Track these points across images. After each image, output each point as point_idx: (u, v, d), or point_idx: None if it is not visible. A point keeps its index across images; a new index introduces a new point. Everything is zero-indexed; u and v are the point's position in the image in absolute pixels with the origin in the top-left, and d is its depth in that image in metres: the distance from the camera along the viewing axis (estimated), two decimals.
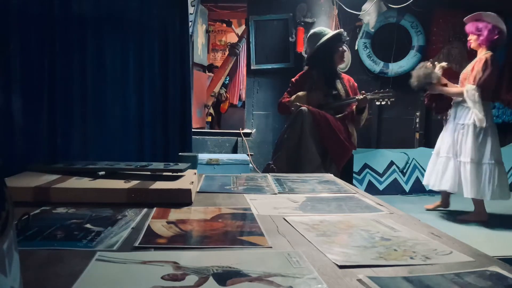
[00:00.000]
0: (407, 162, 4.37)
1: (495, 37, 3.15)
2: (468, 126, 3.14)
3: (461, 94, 3.16)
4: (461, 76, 3.32)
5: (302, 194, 1.44)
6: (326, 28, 3.30)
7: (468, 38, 3.30)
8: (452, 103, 3.32)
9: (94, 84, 1.97)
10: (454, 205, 3.53)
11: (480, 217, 3.19)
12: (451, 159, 3.24)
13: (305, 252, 0.81)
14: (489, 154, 3.10)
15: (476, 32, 3.19)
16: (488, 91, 3.13)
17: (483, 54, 3.17)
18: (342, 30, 3.23)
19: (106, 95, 2.03)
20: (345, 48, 3.17)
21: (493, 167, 3.09)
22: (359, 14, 4.31)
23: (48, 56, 1.80)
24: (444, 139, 3.34)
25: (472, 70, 3.16)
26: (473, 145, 3.10)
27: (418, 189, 4.18)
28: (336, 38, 3.04)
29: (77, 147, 1.91)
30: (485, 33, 3.16)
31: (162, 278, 0.67)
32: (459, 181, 3.18)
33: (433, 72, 3.23)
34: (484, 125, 3.06)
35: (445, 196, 3.51)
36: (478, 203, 3.20)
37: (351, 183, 2.58)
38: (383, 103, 3.05)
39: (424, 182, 3.56)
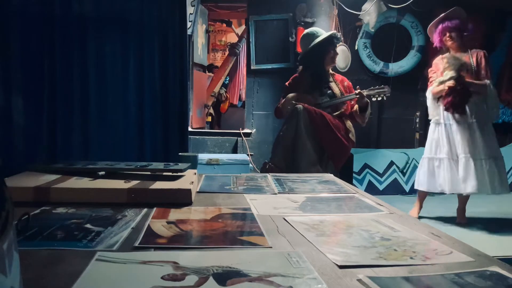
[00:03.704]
0: (407, 162, 4.37)
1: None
2: (476, 123, 3.10)
3: (484, 88, 3.08)
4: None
5: (302, 194, 1.44)
6: (320, 29, 3.29)
7: (448, 35, 3.16)
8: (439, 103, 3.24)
9: (94, 84, 1.98)
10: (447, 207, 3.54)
11: (463, 218, 3.21)
12: (468, 159, 3.07)
13: (305, 252, 0.81)
14: (495, 148, 3.12)
15: (462, 28, 3.15)
16: None
17: (474, 51, 3.16)
18: (335, 32, 3.23)
19: (106, 95, 2.03)
20: (337, 51, 3.16)
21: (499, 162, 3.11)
22: (359, 14, 4.31)
23: (48, 56, 1.80)
24: (442, 140, 3.20)
25: (477, 66, 3.12)
26: (487, 141, 3.08)
27: None
28: (328, 41, 3.05)
29: (77, 147, 1.91)
30: (471, 27, 3.17)
31: (162, 278, 0.67)
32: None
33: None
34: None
35: (422, 198, 3.38)
36: (463, 203, 3.21)
37: (351, 183, 2.58)
38: (379, 99, 3.05)
39: (429, 189, 3.28)
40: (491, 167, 3.04)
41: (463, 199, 3.21)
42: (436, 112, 3.23)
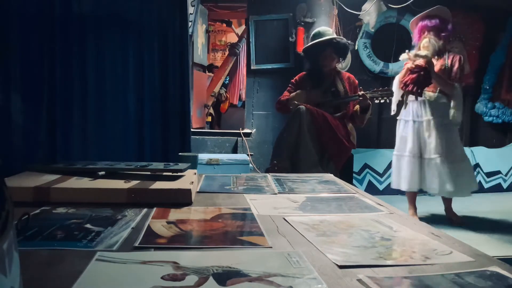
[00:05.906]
0: None
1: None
2: (431, 121, 3.09)
3: (449, 87, 3.07)
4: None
5: (302, 194, 1.44)
6: (329, 29, 3.29)
7: (426, 34, 3.15)
8: (408, 101, 3.22)
9: (94, 84, 1.97)
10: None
11: (455, 217, 3.20)
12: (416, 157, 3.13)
13: (305, 252, 0.81)
14: (460, 150, 3.12)
15: (441, 27, 3.14)
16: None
17: (451, 54, 3.16)
18: (336, 37, 3.18)
19: (106, 95, 2.03)
20: (334, 54, 3.13)
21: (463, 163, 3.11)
22: (359, 14, 4.31)
23: (48, 56, 1.80)
24: (407, 138, 3.21)
25: (450, 67, 3.12)
26: (440, 141, 3.05)
27: None
28: (322, 45, 3.05)
29: (77, 147, 1.91)
30: (450, 28, 3.17)
31: (162, 278, 0.67)
32: (422, 179, 3.13)
33: None
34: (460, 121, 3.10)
35: (411, 199, 3.34)
36: (448, 202, 3.20)
37: (351, 183, 2.58)
38: (382, 101, 3.05)
39: (394, 186, 3.32)
40: (450, 169, 3.02)
41: (446, 200, 3.21)
42: (400, 105, 3.23)
